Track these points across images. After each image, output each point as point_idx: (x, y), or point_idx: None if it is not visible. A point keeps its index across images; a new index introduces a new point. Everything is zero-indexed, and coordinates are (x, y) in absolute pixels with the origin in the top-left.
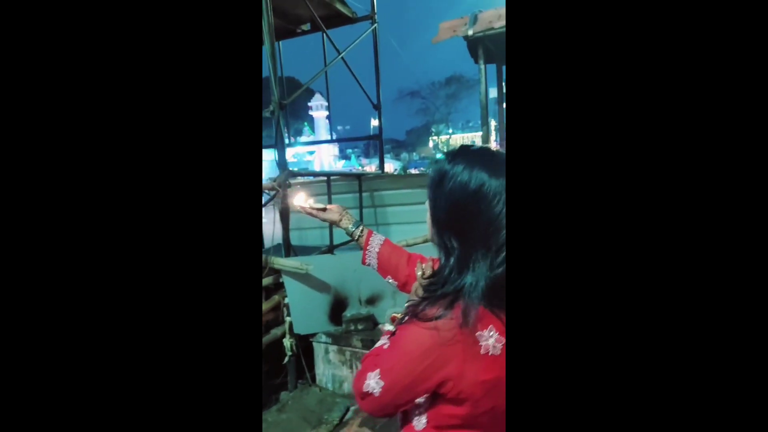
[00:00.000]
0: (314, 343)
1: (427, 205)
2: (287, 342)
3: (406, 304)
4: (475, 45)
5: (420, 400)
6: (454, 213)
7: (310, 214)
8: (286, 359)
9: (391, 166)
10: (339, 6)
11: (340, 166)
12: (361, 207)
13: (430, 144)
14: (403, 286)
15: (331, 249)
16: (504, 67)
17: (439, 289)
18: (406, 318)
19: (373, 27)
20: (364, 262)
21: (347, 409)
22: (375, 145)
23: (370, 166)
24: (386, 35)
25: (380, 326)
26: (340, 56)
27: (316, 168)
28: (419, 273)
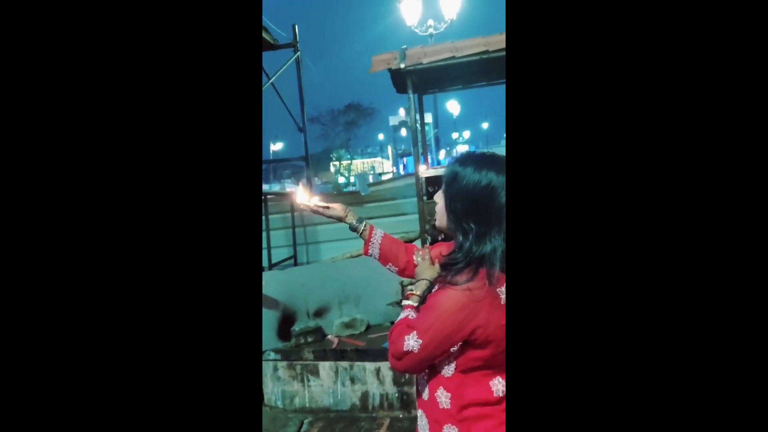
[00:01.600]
0: (262, 362)
1: (438, 198)
2: None
3: (409, 287)
4: (403, 77)
5: (454, 349)
6: (469, 203)
7: (316, 211)
8: None
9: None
10: (262, 32)
11: None
12: (293, 226)
13: (332, 169)
14: (402, 272)
15: (269, 267)
16: (424, 97)
17: (462, 261)
18: (436, 287)
19: (297, 55)
20: (366, 253)
21: (302, 423)
22: (273, 169)
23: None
24: (308, 62)
25: (329, 336)
26: (270, 81)
27: None
28: (418, 259)
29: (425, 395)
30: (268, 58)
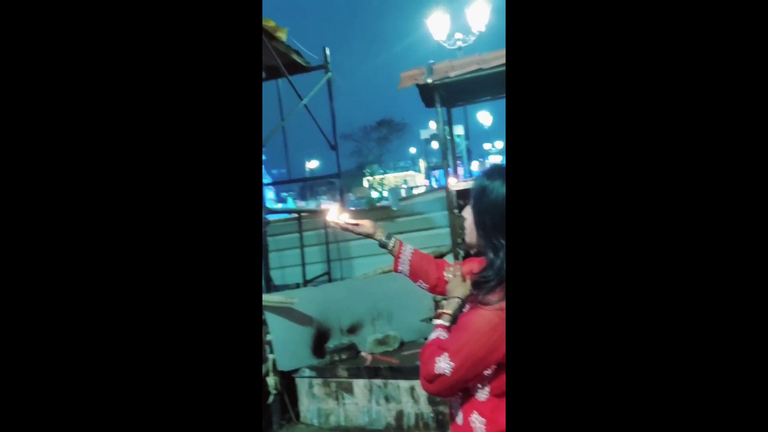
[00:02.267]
0: (297, 379)
1: (467, 213)
2: (271, 380)
3: (443, 303)
4: (431, 91)
5: (487, 372)
6: (498, 218)
7: (346, 228)
8: (270, 398)
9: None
10: (295, 56)
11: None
12: (327, 242)
13: (365, 184)
14: (433, 288)
15: (304, 284)
16: (455, 109)
17: (494, 279)
18: (467, 307)
19: (328, 76)
20: (396, 270)
21: None
22: (310, 187)
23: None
24: (339, 82)
25: (362, 354)
26: (303, 103)
27: None
28: (449, 275)
29: (459, 420)
30: (301, 79)
